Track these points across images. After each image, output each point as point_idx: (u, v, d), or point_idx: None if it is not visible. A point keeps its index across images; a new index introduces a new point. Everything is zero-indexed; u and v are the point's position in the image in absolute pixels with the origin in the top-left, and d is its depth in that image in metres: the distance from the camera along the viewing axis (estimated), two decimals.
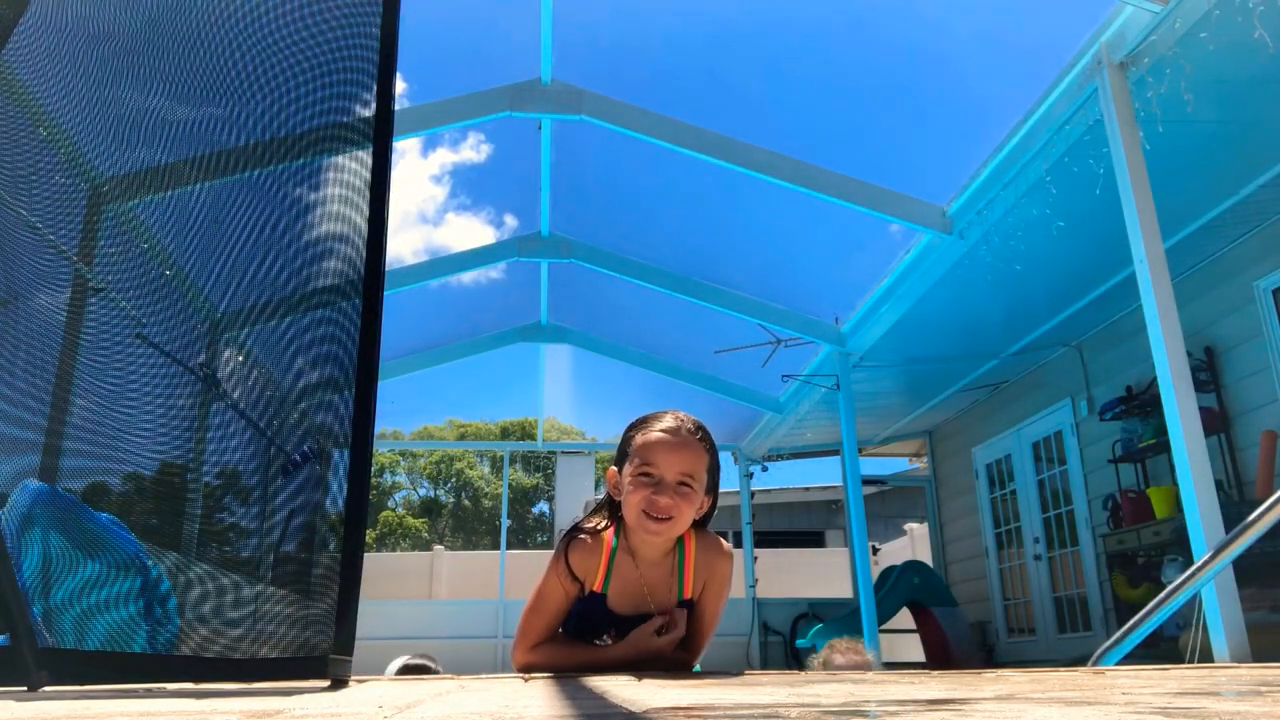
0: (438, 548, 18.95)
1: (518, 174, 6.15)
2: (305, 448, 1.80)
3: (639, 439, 1.90)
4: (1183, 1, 3.51)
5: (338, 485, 1.57)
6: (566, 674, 1.85)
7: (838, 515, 16.18)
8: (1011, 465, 8.82)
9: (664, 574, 1.96)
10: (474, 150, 6.17)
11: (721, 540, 2.02)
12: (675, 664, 1.95)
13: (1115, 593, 6.89)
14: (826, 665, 3.38)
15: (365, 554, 1.59)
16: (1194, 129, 4.25)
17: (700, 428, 1.94)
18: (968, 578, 9.73)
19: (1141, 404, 6.45)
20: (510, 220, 6.92)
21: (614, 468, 1.97)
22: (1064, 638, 7.89)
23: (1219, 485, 5.09)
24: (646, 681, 1.60)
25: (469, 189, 7.80)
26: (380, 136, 1.74)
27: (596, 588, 1.94)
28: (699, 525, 1.99)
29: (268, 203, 1.84)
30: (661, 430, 1.89)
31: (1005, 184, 4.80)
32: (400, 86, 1.85)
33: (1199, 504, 3.29)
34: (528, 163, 5.68)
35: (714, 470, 1.95)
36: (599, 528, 1.99)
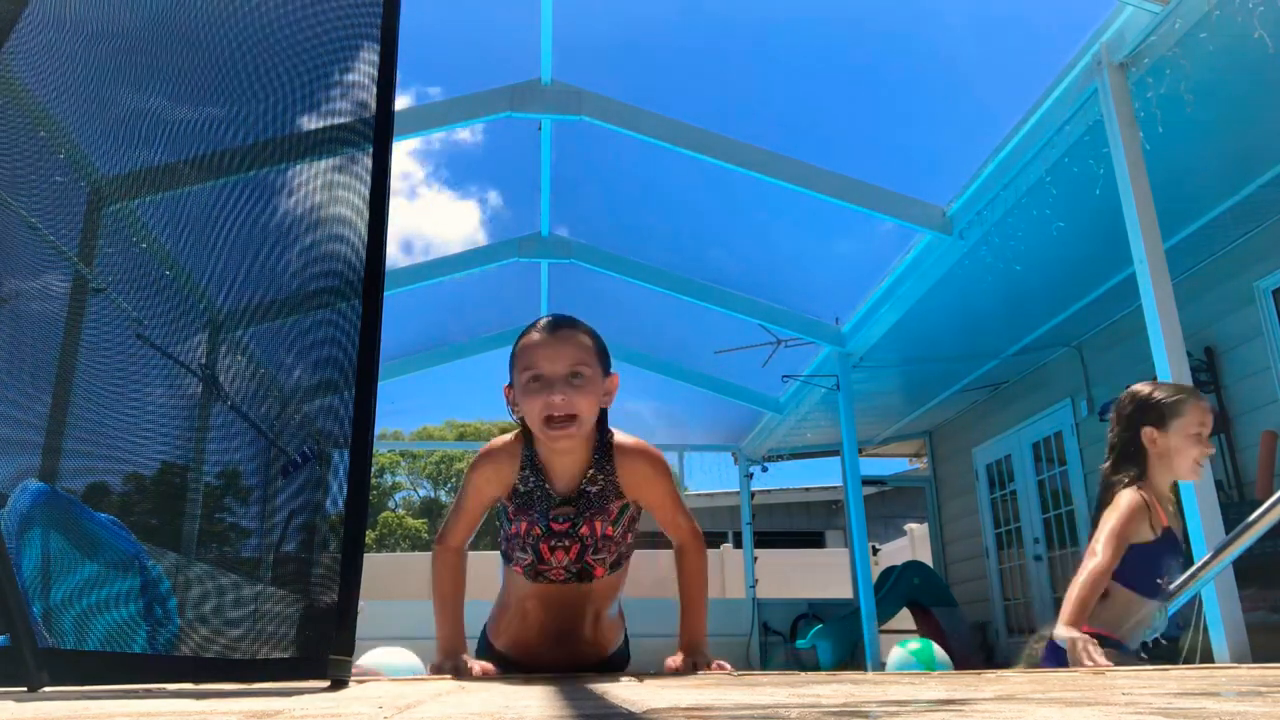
0: (433, 547, 18.88)
1: (503, 152, 6.10)
2: (305, 448, 1.80)
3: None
4: (1183, 1, 3.51)
5: (338, 485, 1.56)
6: (563, 673, 1.85)
7: (838, 515, 16.18)
8: (1011, 465, 8.82)
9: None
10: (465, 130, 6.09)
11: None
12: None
13: None
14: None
15: (365, 554, 1.59)
16: (1194, 129, 4.25)
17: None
18: (968, 578, 9.73)
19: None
20: (494, 198, 6.88)
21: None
22: None
23: (1219, 485, 5.09)
24: (647, 681, 1.60)
25: (450, 165, 7.75)
26: (380, 136, 1.74)
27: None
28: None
29: (267, 203, 1.84)
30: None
31: (1005, 184, 4.80)
32: (400, 88, 1.85)
33: (1199, 504, 3.29)
34: (516, 142, 5.64)
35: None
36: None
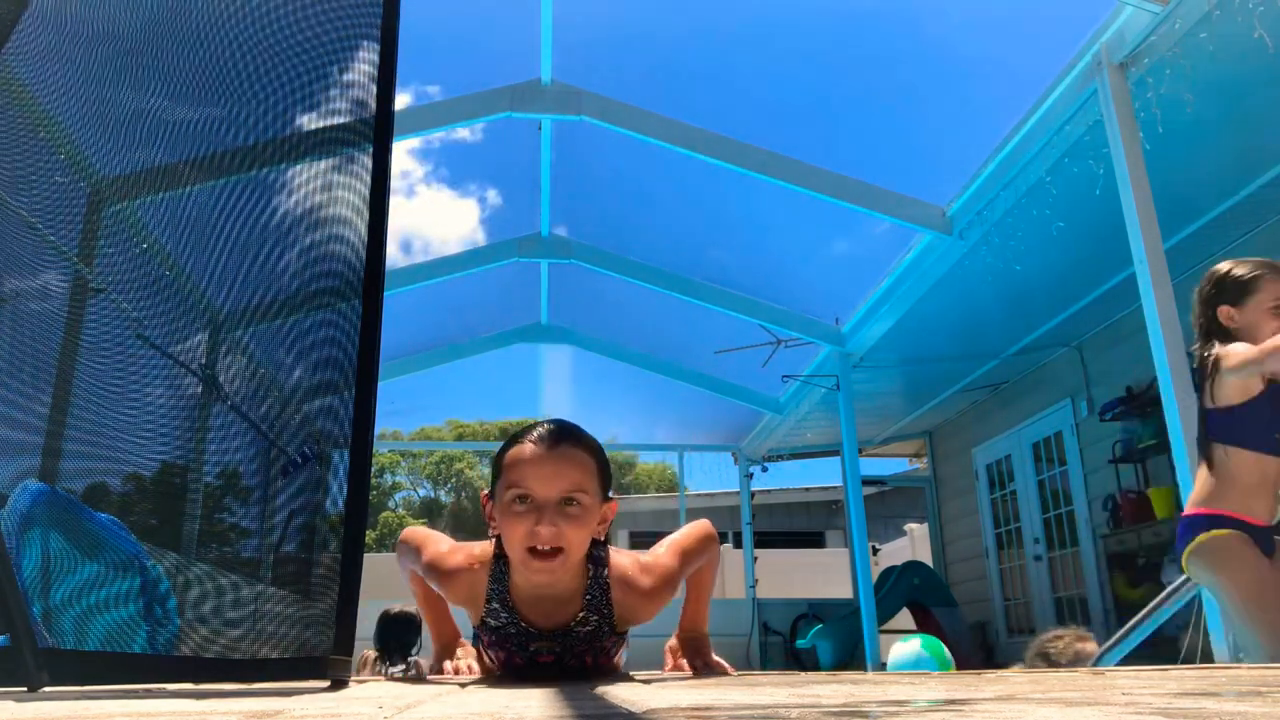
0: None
1: (503, 150, 6.09)
2: (305, 448, 1.80)
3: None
4: (1183, 1, 3.51)
5: (338, 486, 1.56)
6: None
7: (838, 515, 16.18)
8: (1011, 465, 8.82)
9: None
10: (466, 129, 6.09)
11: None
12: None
13: (1115, 593, 6.89)
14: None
15: (365, 554, 1.59)
16: (1194, 129, 4.25)
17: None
18: (968, 578, 9.73)
19: (1141, 404, 6.44)
20: (494, 197, 6.87)
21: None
22: None
23: None
24: (648, 682, 1.60)
25: (449, 163, 7.74)
26: (380, 137, 1.74)
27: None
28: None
29: (268, 203, 1.84)
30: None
31: (1005, 184, 4.80)
32: (399, 87, 1.85)
33: None
34: (515, 139, 5.64)
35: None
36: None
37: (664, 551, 1.74)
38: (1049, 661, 3.05)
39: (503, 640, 1.66)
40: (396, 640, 4.40)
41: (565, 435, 1.59)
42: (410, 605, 4.27)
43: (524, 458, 1.55)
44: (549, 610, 1.64)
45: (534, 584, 1.60)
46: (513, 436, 1.62)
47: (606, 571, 1.66)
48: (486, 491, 1.65)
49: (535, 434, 1.59)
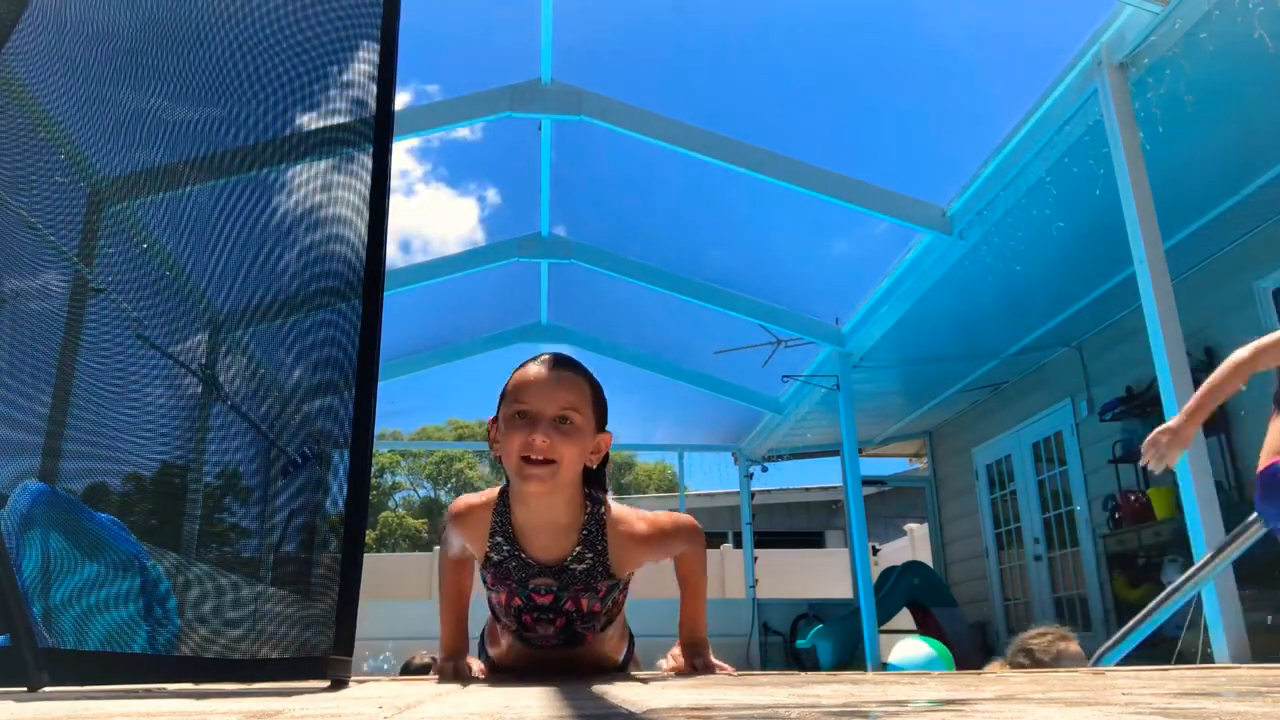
0: (438, 548, 18.89)
1: (502, 148, 6.09)
2: (305, 448, 1.80)
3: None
4: (1183, 2, 3.51)
5: (338, 486, 1.57)
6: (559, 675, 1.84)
7: (838, 515, 16.18)
8: (1011, 465, 8.82)
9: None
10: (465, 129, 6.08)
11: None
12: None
13: (1115, 593, 6.89)
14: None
15: (365, 554, 1.59)
16: (1194, 129, 4.25)
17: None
18: (968, 578, 9.73)
19: (1141, 404, 6.44)
20: (493, 196, 6.86)
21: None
22: None
23: (1219, 485, 5.08)
24: (648, 682, 1.60)
25: (449, 162, 7.73)
26: (380, 137, 1.74)
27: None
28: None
29: (268, 203, 1.84)
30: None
31: (1005, 184, 4.80)
32: (399, 86, 1.85)
33: (1199, 505, 3.29)
34: (514, 138, 5.63)
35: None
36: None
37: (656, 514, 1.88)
38: (1033, 658, 3.05)
39: (503, 576, 1.75)
40: None
41: (564, 362, 1.74)
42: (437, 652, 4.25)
43: (526, 378, 1.69)
44: (546, 542, 1.73)
45: (530, 500, 1.69)
46: (518, 365, 1.75)
47: (603, 510, 1.76)
48: (492, 417, 1.75)
49: (539, 358, 1.73)
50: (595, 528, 1.74)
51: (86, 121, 1.82)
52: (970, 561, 9.70)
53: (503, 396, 1.72)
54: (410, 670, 4.49)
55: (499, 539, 1.75)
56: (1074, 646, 3.06)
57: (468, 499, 1.83)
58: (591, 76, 5.12)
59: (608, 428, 1.78)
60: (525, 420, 1.65)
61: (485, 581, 1.82)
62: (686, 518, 1.92)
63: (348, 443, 1.58)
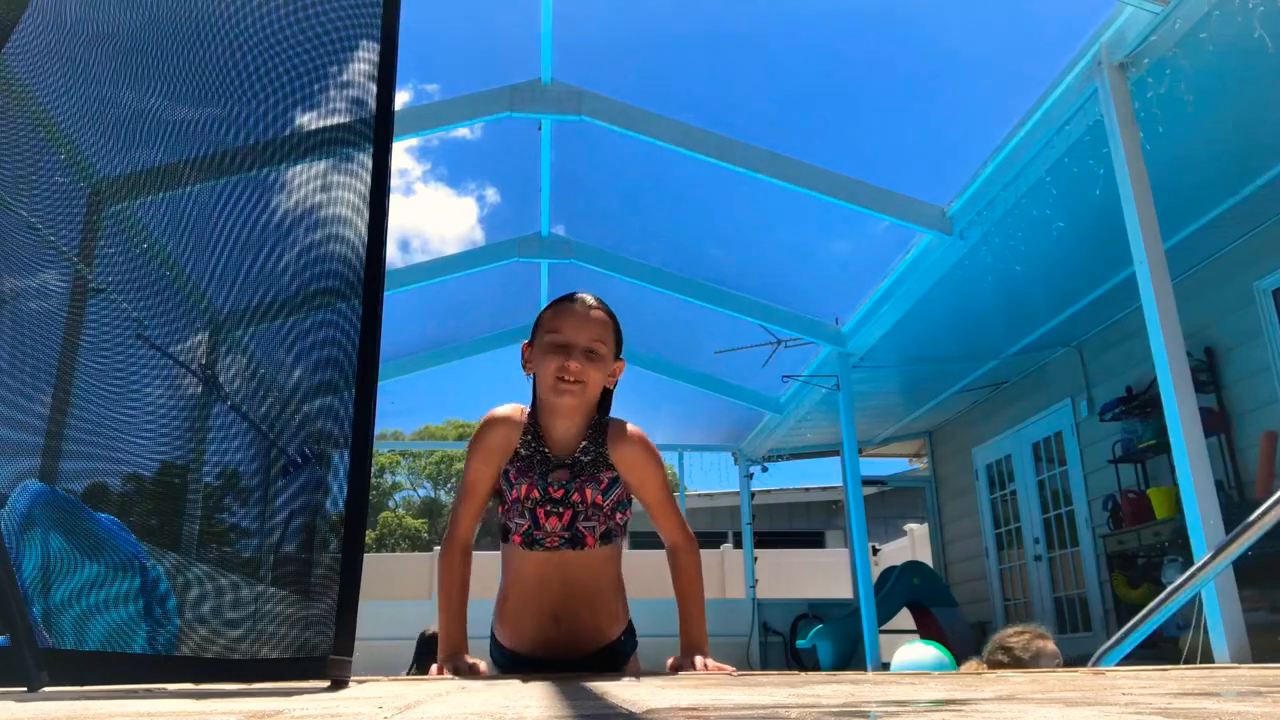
0: (438, 548, 18.92)
1: (501, 147, 6.08)
2: (305, 448, 1.80)
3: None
4: (1183, 2, 3.51)
5: (338, 486, 1.57)
6: (560, 672, 1.85)
7: (838, 516, 16.18)
8: (1011, 466, 8.82)
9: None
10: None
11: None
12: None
13: (1115, 593, 6.89)
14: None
15: (365, 554, 1.59)
16: (1194, 129, 4.25)
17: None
18: (968, 578, 9.73)
19: (1141, 404, 6.45)
20: (492, 194, 6.86)
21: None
22: (1064, 638, 7.89)
23: (1219, 485, 5.09)
24: (647, 681, 1.60)
25: (448, 161, 7.73)
26: (380, 137, 1.74)
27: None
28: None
29: (268, 203, 1.84)
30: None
31: (1005, 184, 4.80)
32: (398, 85, 1.85)
33: (1199, 504, 3.29)
34: (514, 136, 5.64)
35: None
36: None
37: None
38: (1011, 655, 3.10)
39: (528, 470, 2.06)
40: (435, 659, 4.47)
41: (595, 301, 2.09)
42: None
43: (564, 312, 2.04)
44: (563, 440, 2.07)
45: (557, 404, 2.02)
46: (554, 300, 2.09)
47: (608, 418, 2.13)
48: (526, 341, 2.10)
49: (575, 296, 2.08)
50: (599, 429, 2.09)
51: (86, 121, 1.82)
52: (970, 561, 9.70)
53: (538, 324, 2.07)
54: (425, 641, 4.59)
55: (529, 437, 2.08)
56: (1050, 645, 3.14)
57: (505, 408, 2.15)
58: (591, 76, 5.12)
59: (621, 356, 2.13)
60: (562, 348, 1.99)
61: (509, 478, 2.07)
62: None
63: (348, 443, 1.58)
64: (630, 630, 2.19)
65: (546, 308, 2.10)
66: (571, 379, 1.97)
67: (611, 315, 2.10)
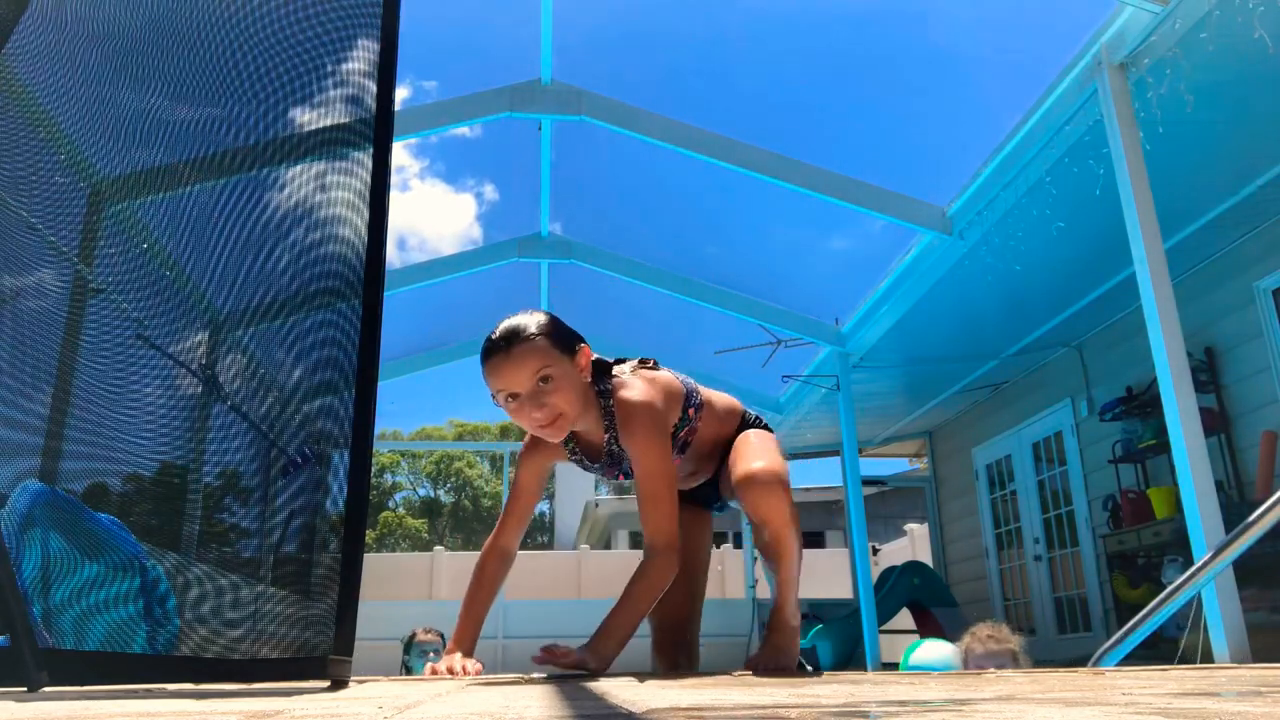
0: (438, 548, 18.93)
1: (500, 144, 6.08)
2: (305, 448, 1.80)
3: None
4: (1183, 2, 3.51)
5: (338, 486, 1.57)
6: (564, 673, 1.85)
7: (837, 516, 16.18)
8: (1011, 465, 8.81)
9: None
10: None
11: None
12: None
13: (1115, 593, 6.88)
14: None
15: (365, 554, 1.59)
16: (1194, 129, 4.25)
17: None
18: (968, 578, 9.73)
19: (1141, 404, 6.45)
20: (490, 192, 6.86)
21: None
22: (1064, 638, 7.89)
23: (1219, 485, 5.09)
24: (647, 681, 1.60)
25: (446, 158, 7.76)
26: (380, 137, 1.74)
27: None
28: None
29: (268, 203, 1.84)
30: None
31: (1005, 184, 4.80)
32: (398, 86, 1.85)
33: (1199, 504, 3.29)
34: (512, 134, 5.63)
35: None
36: None
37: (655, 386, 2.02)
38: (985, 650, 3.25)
39: (586, 469, 2.15)
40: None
41: (512, 334, 1.85)
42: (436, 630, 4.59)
43: (492, 369, 1.86)
44: (586, 437, 2.07)
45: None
46: (481, 354, 1.89)
47: (612, 401, 1.98)
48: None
49: (491, 341, 1.87)
50: (609, 416, 1.99)
51: (86, 121, 1.81)
52: (970, 561, 9.70)
53: (485, 379, 1.92)
54: (410, 645, 4.67)
55: (570, 445, 2.09)
56: (1018, 644, 3.27)
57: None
58: (591, 76, 5.12)
59: (578, 343, 1.93)
60: (515, 400, 1.85)
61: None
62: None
63: (348, 443, 1.58)
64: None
65: (480, 362, 1.90)
66: (544, 424, 1.85)
67: (539, 328, 1.86)
